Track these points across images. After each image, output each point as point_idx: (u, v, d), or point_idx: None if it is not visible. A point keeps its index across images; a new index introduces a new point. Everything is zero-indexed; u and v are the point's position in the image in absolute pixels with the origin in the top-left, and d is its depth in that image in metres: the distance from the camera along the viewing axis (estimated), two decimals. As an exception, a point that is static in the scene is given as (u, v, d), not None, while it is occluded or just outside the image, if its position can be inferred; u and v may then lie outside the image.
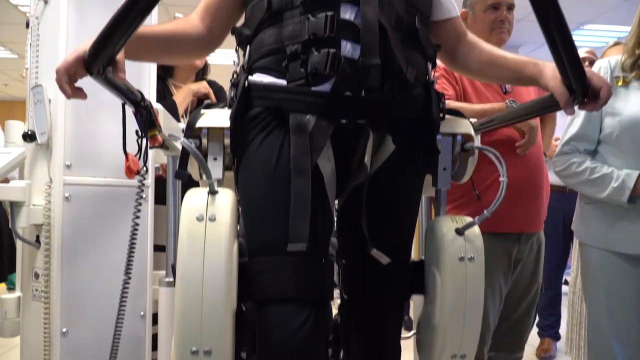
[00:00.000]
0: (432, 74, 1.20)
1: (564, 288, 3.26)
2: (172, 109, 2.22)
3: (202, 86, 2.40)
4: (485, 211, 1.15)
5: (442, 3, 1.23)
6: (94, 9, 1.69)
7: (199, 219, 0.99)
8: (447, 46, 1.27)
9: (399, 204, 1.17)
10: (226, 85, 1.34)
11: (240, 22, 1.24)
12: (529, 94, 1.92)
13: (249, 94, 1.10)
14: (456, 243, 1.16)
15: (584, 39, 6.56)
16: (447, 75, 1.88)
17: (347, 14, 1.02)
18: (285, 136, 1.05)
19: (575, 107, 1.04)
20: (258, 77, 1.10)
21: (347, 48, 1.02)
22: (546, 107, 1.14)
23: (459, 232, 1.17)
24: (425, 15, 1.16)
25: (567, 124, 1.64)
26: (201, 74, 2.49)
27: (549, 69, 1.07)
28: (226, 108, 1.20)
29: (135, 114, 1.24)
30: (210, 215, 0.99)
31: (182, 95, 2.34)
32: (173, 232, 1.86)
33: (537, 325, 3.02)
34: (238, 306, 1.08)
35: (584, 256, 1.66)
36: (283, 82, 1.05)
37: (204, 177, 1.26)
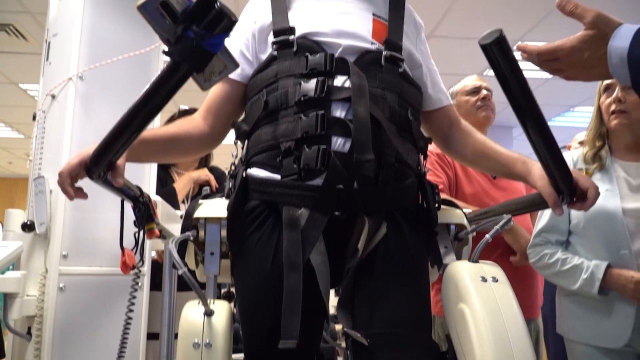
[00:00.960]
0: (424, 165, 1.23)
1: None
2: (171, 196, 2.26)
3: (203, 173, 2.45)
4: (487, 235, 1.14)
5: (432, 95, 1.28)
6: (100, 104, 1.76)
7: (196, 346, 0.98)
8: (441, 133, 1.31)
9: (405, 267, 1.12)
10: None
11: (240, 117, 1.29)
12: (517, 182, 1.96)
13: (246, 187, 1.13)
14: (473, 267, 1.09)
15: (574, 120, 6.78)
16: (440, 161, 1.93)
17: (338, 111, 1.07)
18: (280, 231, 1.07)
19: (565, 206, 1.06)
20: (255, 171, 1.13)
21: (338, 143, 1.06)
22: (536, 205, 1.17)
23: (472, 260, 1.12)
24: (417, 108, 1.21)
25: (539, 216, 1.68)
26: (204, 161, 2.55)
27: (537, 168, 1.09)
28: (224, 198, 1.23)
29: (134, 209, 1.27)
30: (206, 341, 0.99)
31: (183, 183, 2.38)
32: (167, 322, 1.84)
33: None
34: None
35: (569, 351, 1.63)
36: (278, 176, 1.08)
37: (200, 268, 1.27)
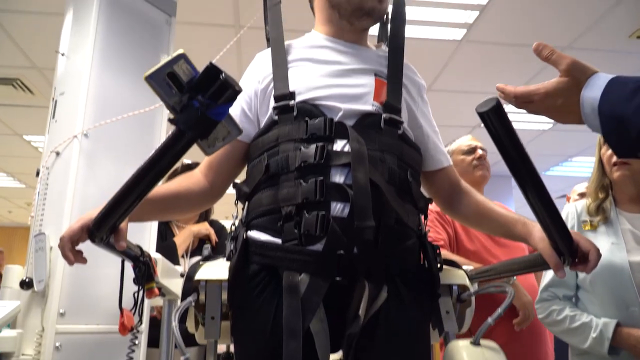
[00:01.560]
0: (425, 225, 1.23)
1: None
2: (171, 250, 2.25)
3: (204, 227, 2.44)
4: (489, 318, 1.12)
5: (433, 156, 1.29)
6: (104, 161, 1.78)
7: None
8: (442, 194, 1.32)
9: (406, 338, 1.12)
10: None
11: (241, 175, 1.30)
12: None
13: (247, 249, 1.12)
14: (474, 353, 1.07)
15: (573, 170, 6.83)
16: (440, 218, 1.93)
17: (337, 176, 1.07)
18: (280, 296, 1.06)
19: (567, 268, 1.05)
20: (256, 234, 1.13)
21: (337, 208, 1.06)
22: (537, 266, 1.16)
23: (474, 341, 1.10)
24: (416, 170, 1.22)
25: (545, 271, 1.64)
26: (204, 214, 2.55)
27: (537, 230, 1.09)
28: (224, 259, 1.22)
29: (134, 268, 1.26)
30: None
31: (183, 237, 2.38)
32: (165, 381, 1.79)
33: None
34: None
35: None
36: (279, 240, 1.08)
37: (200, 330, 1.25)
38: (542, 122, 5.39)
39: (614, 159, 1.59)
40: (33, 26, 3.47)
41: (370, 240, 1.05)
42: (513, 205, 6.19)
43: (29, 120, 5.26)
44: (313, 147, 1.07)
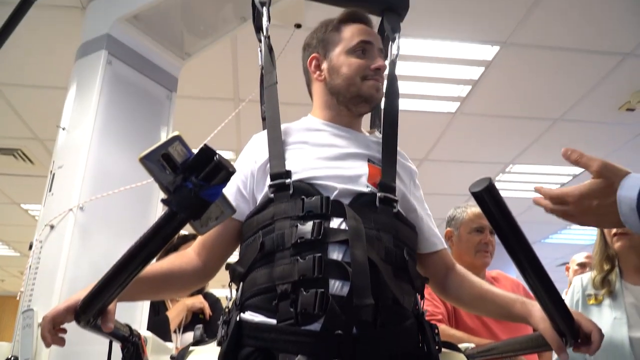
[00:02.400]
0: (422, 304, 1.21)
1: None
2: (163, 325, 2.19)
3: (198, 301, 2.39)
4: None
5: (427, 238, 1.28)
6: (98, 235, 1.77)
7: None
8: (437, 277, 1.30)
9: None
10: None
11: (234, 254, 1.28)
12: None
13: (240, 332, 1.09)
14: None
15: (572, 238, 6.80)
16: (438, 293, 1.89)
17: (335, 253, 1.06)
18: None
19: (570, 349, 1.02)
20: (249, 316, 1.09)
21: (336, 286, 1.03)
22: (540, 346, 1.12)
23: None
24: (412, 248, 1.21)
25: None
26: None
27: (537, 310, 1.07)
28: (215, 344, 1.18)
29: (123, 348, 1.22)
30: None
31: (177, 311, 2.32)
32: None
33: None
34: None
35: None
36: (273, 321, 1.05)
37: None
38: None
39: (614, 229, 1.58)
40: (36, 99, 3.55)
41: (369, 320, 1.03)
42: (514, 272, 6.11)
43: (27, 189, 5.28)
44: (310, 223, 1.06)
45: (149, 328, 2.10)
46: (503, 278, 2.08)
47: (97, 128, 1.90)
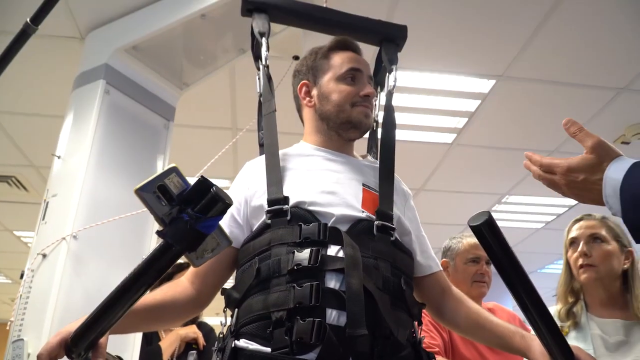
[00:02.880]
0: (419, 332, 1.19)
1: None
2: (156, 357, 2.14)
3: (191, 331, 2.35)
4: None
5: (421, 262, 1.27)
6: (91, 264, 1.75)
7: None
8: (432, 301, 1.28)
9: None
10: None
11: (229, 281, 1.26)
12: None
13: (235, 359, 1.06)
14: None
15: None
16: (435, 323, 1.86)
17: (332, 282, 1.04)
18: None
19: None
20: (244, 343, 1.07)
21: (333, 316, 1.02)
22: (540, 382, 1.11)
23: None
24: (409, 276, 1.20)
25: None
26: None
27: (537, 344, 1.06)
28: None
29: (113, 383, 1.18)
30: None
31: (169, 341, 2.27)
32: None
33: None
34: None
35: None
36: (268, 349, 1.03)
37: None
38: (534, 222, 5.43)
39: (580, 261, 1.59)
40: (32, 126, 3.54)
41: (365, 352, 1.00)
42: (510, 303, 6.06)
43: (20, 216, 5.23)
44: (307, 251, 1.05)
45: (141, 359, 2.06)
46: (499, 310, 2.06)
47: (93, 156, 1.89)
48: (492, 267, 1.96)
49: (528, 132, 3.77)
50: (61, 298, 1.66)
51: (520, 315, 0.98)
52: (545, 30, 2.79)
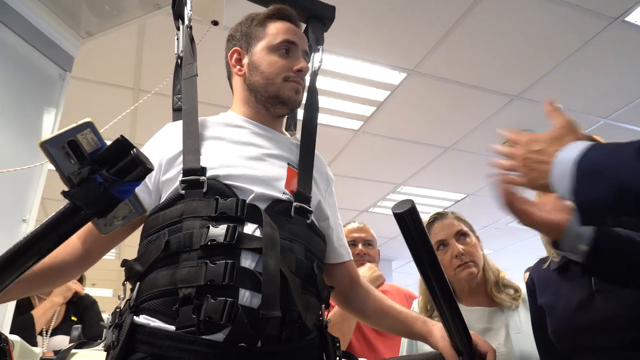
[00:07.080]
0: (326, 315, 1.19)
1: None
2: (27, 325, 1.96)
3: (66, 288, 2.16)
4: None
5: (335, 249, 1.27)
6: None
7: None
8: (340, 288, 1.29)
9: None
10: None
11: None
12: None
13: (132, 337, 0.99)
14: None
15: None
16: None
17: (248, 261, 1.00)
18: None
19: None
20: (144, 320, 1.00)
21: (246, 297, 0.98)
22: (436, 364, 1.16)
23: None
24: (321, 260, 1.19)
25: None
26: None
27: (437, 329, 1.11)
28: (101, 348, 1.07)
29: (-15, 355, 1.06)
30: None
31: (43, 309, 2.08)
32: None
33: None
34: None
35: None
36: (172, 327, 0.97)
37: None
38: (424, 213, 5.68)
39: (459, 262, 1.60)
40: None
41: (274, 335, 0.99)
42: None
43: None
44: (223, 226, 1.00)
45: (12, 329, 1.87)
46: (395, 291, 2.14)
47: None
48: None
49: (429, 127, 3.95)
50: None
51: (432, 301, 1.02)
52: (457, 32, 2.92)
